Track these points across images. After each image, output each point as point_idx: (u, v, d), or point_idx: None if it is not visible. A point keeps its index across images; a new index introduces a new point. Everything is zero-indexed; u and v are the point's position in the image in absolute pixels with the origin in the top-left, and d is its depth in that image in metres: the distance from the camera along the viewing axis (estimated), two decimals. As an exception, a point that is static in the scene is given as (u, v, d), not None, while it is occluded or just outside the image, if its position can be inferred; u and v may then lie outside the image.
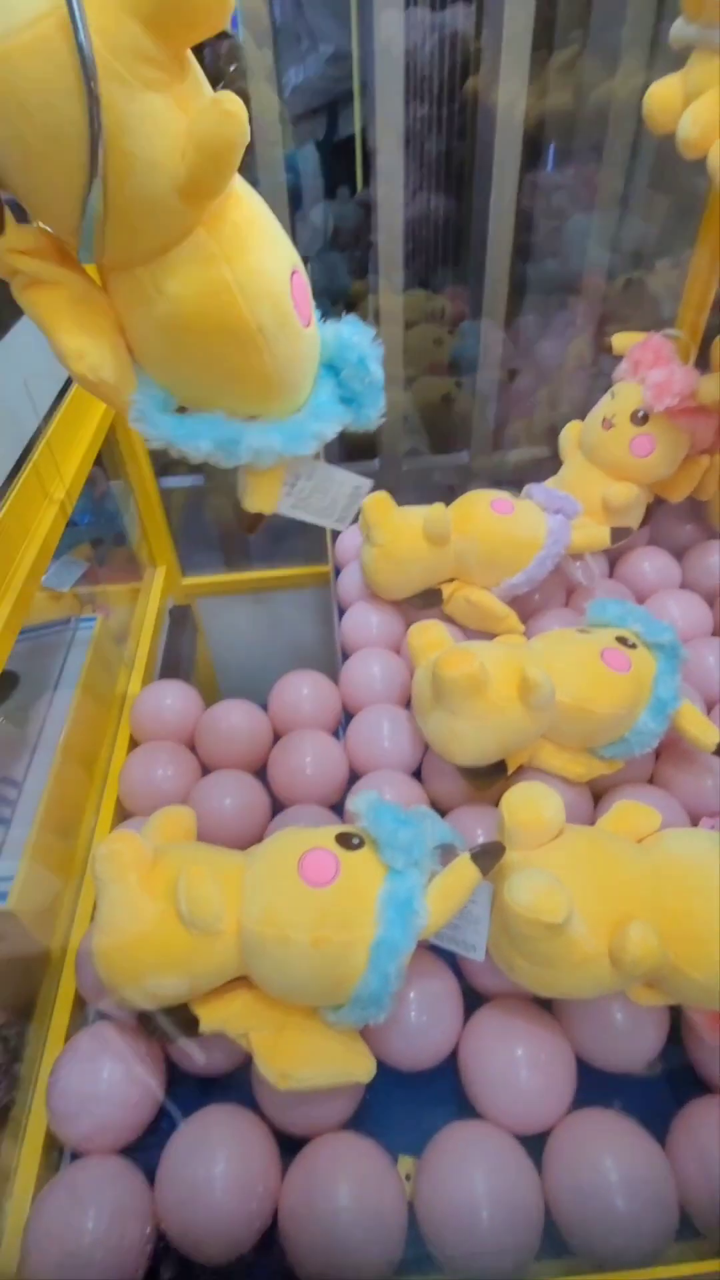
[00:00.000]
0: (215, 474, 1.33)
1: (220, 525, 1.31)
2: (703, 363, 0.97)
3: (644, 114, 0.76)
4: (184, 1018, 0.55)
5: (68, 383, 0.74)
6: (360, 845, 0.54)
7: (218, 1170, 0.51)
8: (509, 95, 1.04)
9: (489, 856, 0.53)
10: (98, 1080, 0.56)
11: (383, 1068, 0.56)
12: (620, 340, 0.96)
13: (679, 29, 0.72)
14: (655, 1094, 0.59)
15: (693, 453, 0.95)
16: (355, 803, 0.55)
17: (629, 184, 1.21)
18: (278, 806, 0.78)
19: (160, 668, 0.99)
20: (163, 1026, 0.55)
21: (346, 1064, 0.53)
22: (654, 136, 0.77)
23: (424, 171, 1.56)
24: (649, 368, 0.91)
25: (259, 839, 0.73)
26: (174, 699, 0.86)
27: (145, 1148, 0.57)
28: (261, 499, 0.54)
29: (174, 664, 0.99)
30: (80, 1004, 0.66)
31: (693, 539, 1.04)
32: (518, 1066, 0.56)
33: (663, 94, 0.74)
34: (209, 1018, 0.55)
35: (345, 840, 0.54)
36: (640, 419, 0.91)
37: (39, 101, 0.31)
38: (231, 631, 1.16)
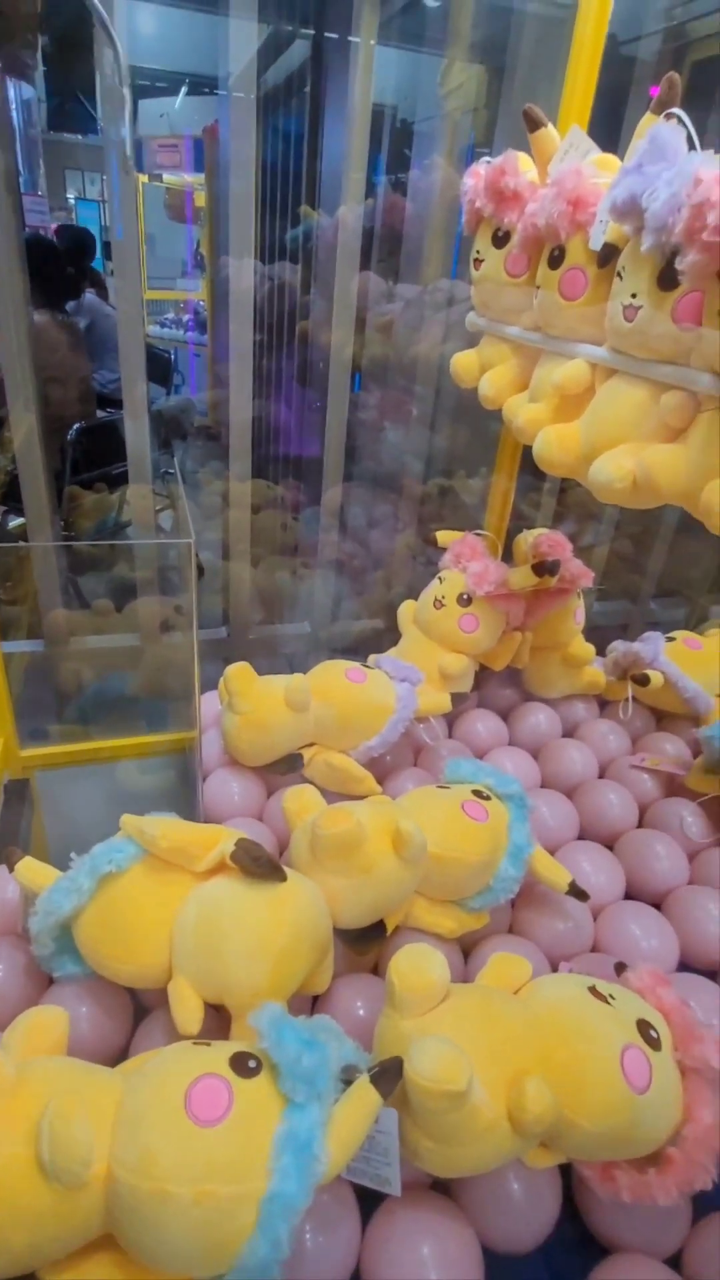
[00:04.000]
0: (55, 639, 1.29)
1: (60, 692, 1.26)
2: (508, 557, 1.16)
3: (451, 374, 0.98)
4: (28, 1293, 0.46)
5: None
6: (258, 1069, 0.49)
7: None
8: (340, 338, 1.26)
9: (390, 1077, 0.49)
10: None
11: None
12: (443, 536, 1.13)
13: (472, 319, 0.95)
14: (559, 1266, 0.57)
15: (508, 630, 1.11)
16: (256, 1017, 0.50)
17: (434, 413, 1.49)
18: (140, 1008, 0.71)
19: (-9, 852, 0.88)
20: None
21: None
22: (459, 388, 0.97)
23: (258, 382, 1.81)
24: (468, 560, 1.08)
25: (122, 1050, 0.66)
26: (16, 887, 0.77)
27: None
28: None
29: (6, 846, 0.90)
30: None
31: (514, 701, 1.19)
32: (427, 1268, 0.52)
33: (465, 362, 0.95)
34: (58, 1290, 0.46)
35: (240, 1064, 0.49)
36: (465, 601, 1.06)
37: None
38: (72, 807, 1.08)
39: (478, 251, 0.86)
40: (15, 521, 1.95)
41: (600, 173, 0.69)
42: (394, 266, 1.49)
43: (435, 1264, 0.53)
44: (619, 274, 0.64)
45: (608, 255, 0.65)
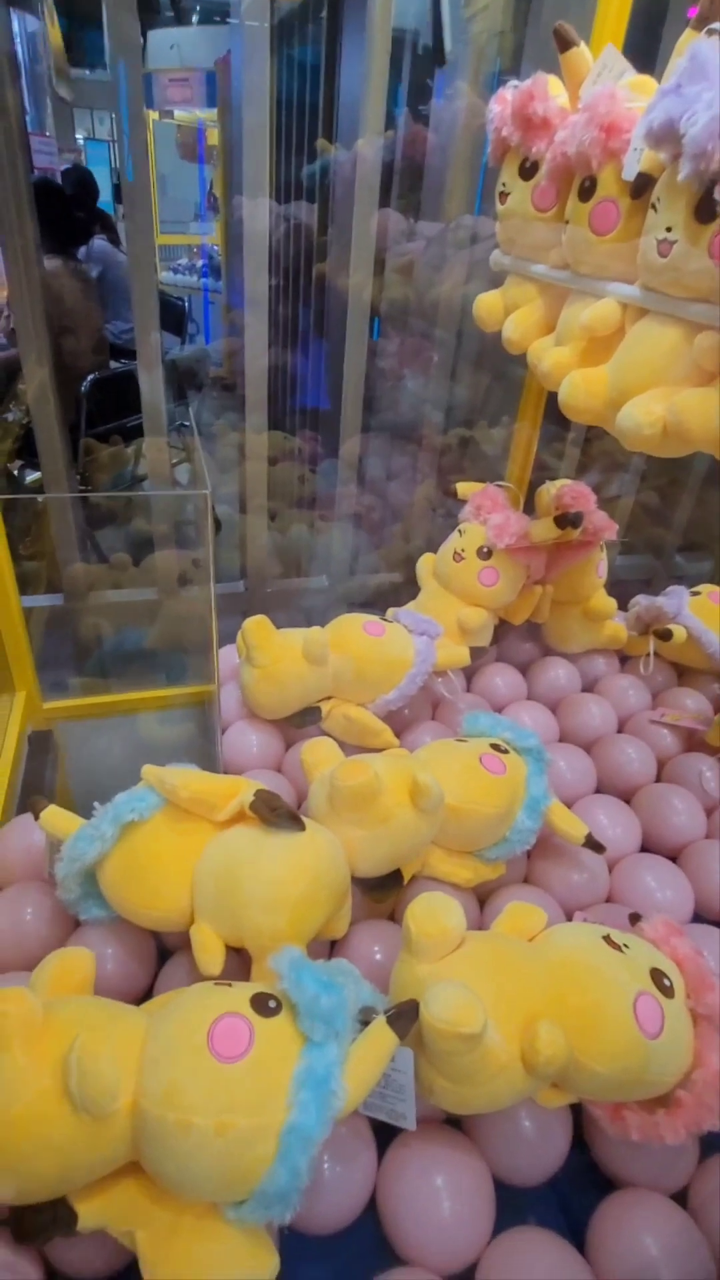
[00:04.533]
0: (74, 593, 1.30)
1: (80, 645, 1.27)
2: (529, 509, 1.14)
3: (474, 317, 0.94)
4: (60, 1213, 0.49)
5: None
6: (278, 1009, 0.50)
7: None
8: (359, 281, 1.22)
9: (405, 1019, 0.51)
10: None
11: (294, 1232, 0.52)
12: (463, 488, 1.11)
13: (497, 257, 0.91)
14: (568, 1198, 0.59)
15: (529, 583, 1.09)
16: (276, 960, 0.52)
17: (455, 360, 1.44)
18: (164, 950, 0.73)
19: (17, 801, 0.91)
20: (34, 1224, 0.48)
21: (246, 1267, 0.48)
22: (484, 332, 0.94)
23: (273, 330, 1.76)
24: (489, 512, 1.06)
25: (146, 990, 0.69)
26: (42, 835, 0.78)
27: None
28: None
29: (32, 795, 0.92)
30: None
31: (533, 656, 1.18)
32: (440, 1198, 0.55)
33: (488, 303, 0.92)
34: (89, 1213, 0.49)
35: (261, 1004, 0.50)
36: (485, 554, 1.05)
37: None
38: (94, 758, 1.10)
39: (503, 184, 0.81)
40: (32, 476, 1.94)
41: (636, 96, 0.65)
42: (415, 203, 1.43)
43: (448, 1193, 0.55)
44: (653, 206, 0.60)
45: (642, 186, 0.61)
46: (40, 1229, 0.48)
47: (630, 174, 0.62)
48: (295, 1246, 0.53)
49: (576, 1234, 0.55)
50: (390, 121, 1.34)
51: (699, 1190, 0.59)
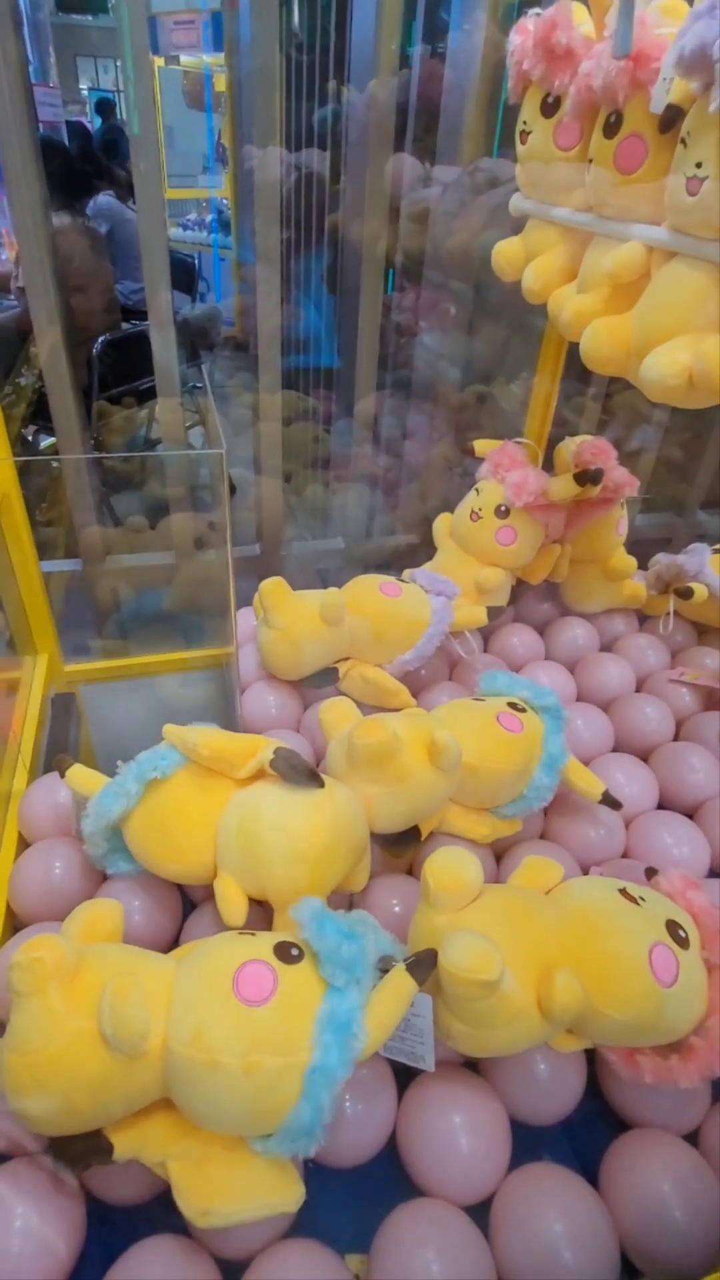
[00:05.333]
0: (91, 556, 1.30)
1: (99, 609, 1.28)
2: (548, 466, 1.12)
3: (493, 266, 0.91)
4: (96, 1144, 0.51)
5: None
6: (300, 957, 0.52)
7: (157, 1314, 0.47)
8: (373, 230, 1.18)
9: (424, 966, 0.52)
10: (8, 1232, 0.50)
11: (318, 1165, 0.54)
12: (481, 445, 1.09)
13: (517, 201, 0.88)
14: (581, 1138, 0.61)
15: (547, 542, 1.08)
16: (298, 910, 0.53)
17: (472, 313, 1.40)
18: (188, 902, 0.75)
19: (43, 761, 0.93)
20: (72, 1154, 0.51)
21: (273, 1195, 0.50)
22: (503, 282, 0.91)
23: (287, 286, 1.72)
24: (507, 470, 1.04)
25: (173, 939, 0.71)
26: (69, 792, 0.80)
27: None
28: None
29: (57, 754, 0.93)
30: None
31: (551, 616, 1.17)
32: (458, 1135, 0.57)
33: (508, 251, 0.89)
34: (123, 1144, 0.51)
35: (284, 951, 0.52)
36: (503, 513, 1.03)
37: None
38: (115, 719, 1.12)
39: (524, 123, 0.78)
40: (46, 441, 1.94)
41: (666, 21, 0.61)
42: (431, 146, 1.38)
43: (465, 1130, 0.57)
44: (683, 141, 0.58)
45: (671, 119, 0.58)
46: (78, 1158, 0.51)
47: (658, 106, 0.59)
48: (319, 1178, 0.56)
49: (589, 1173, 0.57)
50: (405, 61, 1.29)
51: (710, 1131, 0.61)
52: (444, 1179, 0.56)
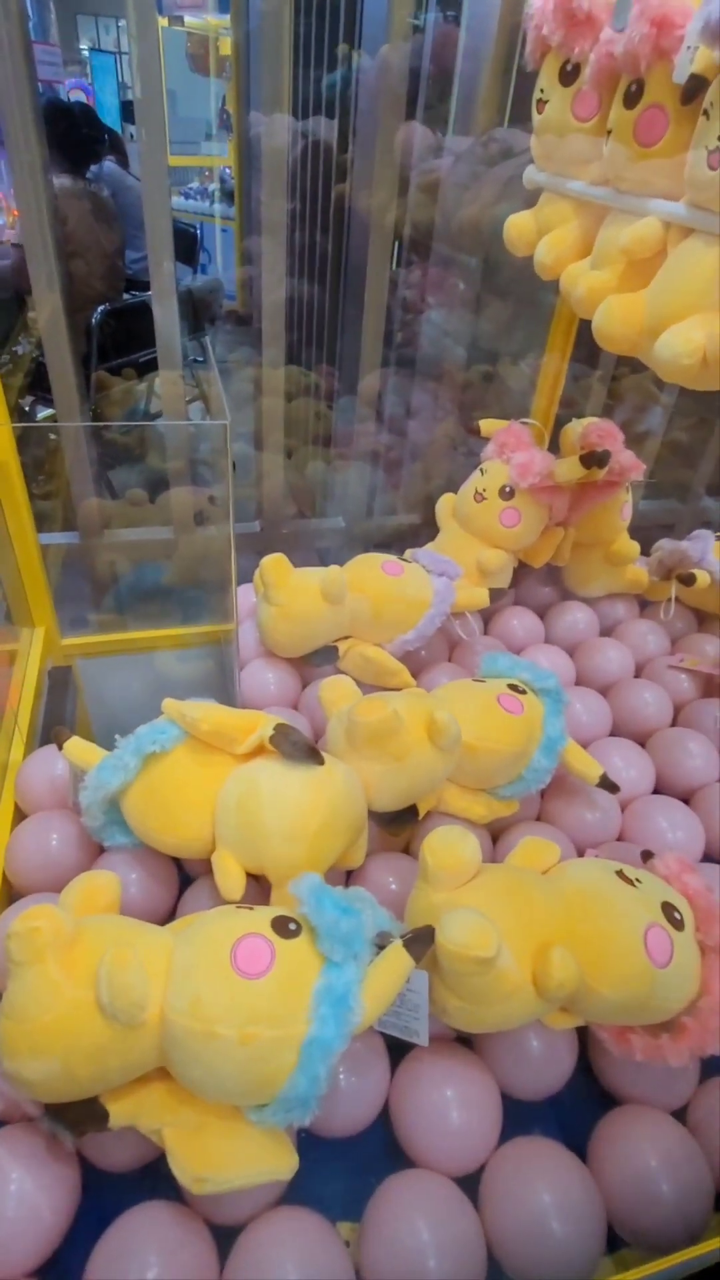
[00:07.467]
0: (89, 529, 1.29)
1: (97, 583, 1.27)
2: (554, 447, 1.11)
3: (504, 240, 0.89)
4: (92, 1111, 0.51)
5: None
6: (298, 931, 0.52)
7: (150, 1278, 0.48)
8: (381, 201, 1.16)
9: (421, 943, 0.53)
10: (3, 1196, 0.50)
11: (312, 1135, 0.55)
12: (487, 425, 1.08)
13: (531, 173, 0.86)
14: (571, 1114, 0.62)
15: (551, 525, 1.07)
16: (296, 886, 0.53)
17: (480, 290, 1.38)
18: (185, 876, 0.75)
19: (40, 733, 0.92)
20: (69, 1121, 0.51)
21: (267, 1163, 0.51)
22: (514, 257, 0.89)
23: (290, 259, 1.69)
24: (512, 450, 1.03)
25: (170, 912, 0.71)
26: (66, 765, 0.80)
27: (63, 1264, 0.51)
28: None
29: (54, 726, 0.93)
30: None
31: (552, 600, 1.17)
32: (450, 1108, 0.57)
33: (520, 225, 0.87)
34: (120, 1111, 0.51)
35: (282, 926, 0.52)
36: (507, 494, 1.02)
37: None
38: (112, 693, 1.11)
39: (541, 91, 0.76)
40: (44, 412, 1.91)
41: (691, -14, 0.60)
42: (443, 114, 1.34)
43: (457, 1104, 0.57)
44: (705, 113, 0.56)
45: (694, 89, 0.57)
46: (74, 1124, 0.51)
47: (682, 76, 0.57)
48: (313, 1148, 0.57)
49: (578, 1148, 0.58)
50: (419, 25, 1.25)
51: (698, 1108, 0.62)
52: (435, 1150, 0.57)
